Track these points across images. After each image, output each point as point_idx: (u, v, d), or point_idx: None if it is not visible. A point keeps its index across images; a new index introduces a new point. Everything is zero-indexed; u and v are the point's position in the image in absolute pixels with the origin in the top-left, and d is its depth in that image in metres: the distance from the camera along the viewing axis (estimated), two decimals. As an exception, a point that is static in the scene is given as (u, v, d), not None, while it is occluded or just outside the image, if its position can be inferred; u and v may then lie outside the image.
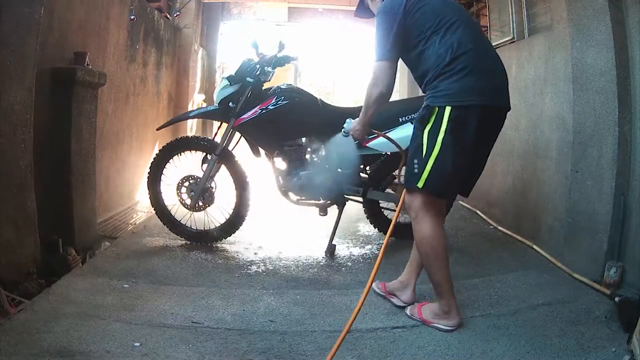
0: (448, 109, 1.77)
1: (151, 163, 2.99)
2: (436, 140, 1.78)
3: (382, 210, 3.11)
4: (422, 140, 1.82)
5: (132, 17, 3.97)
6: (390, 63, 1.87)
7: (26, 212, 2.35)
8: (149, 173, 2.98)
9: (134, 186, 4.29)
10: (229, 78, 2.82)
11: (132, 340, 1.76)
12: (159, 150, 3.01)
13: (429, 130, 1.81)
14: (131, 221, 3.86)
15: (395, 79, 1.90)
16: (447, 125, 1.77)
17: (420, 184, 1.82)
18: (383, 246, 1.92)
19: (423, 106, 1.86)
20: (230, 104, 2.80)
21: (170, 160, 2.97)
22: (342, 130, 2.33)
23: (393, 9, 1.86)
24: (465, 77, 1.76)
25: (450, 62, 1.77)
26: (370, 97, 1.94)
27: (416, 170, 1.84)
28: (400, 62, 1.96)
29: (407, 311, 2.04)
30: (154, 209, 3.04)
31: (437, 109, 1.79)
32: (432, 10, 1.84)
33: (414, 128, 1.92)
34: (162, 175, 2.97)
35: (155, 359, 1.66)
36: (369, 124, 2.12)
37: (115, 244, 2.93)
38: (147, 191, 3.01)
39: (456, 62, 1.77)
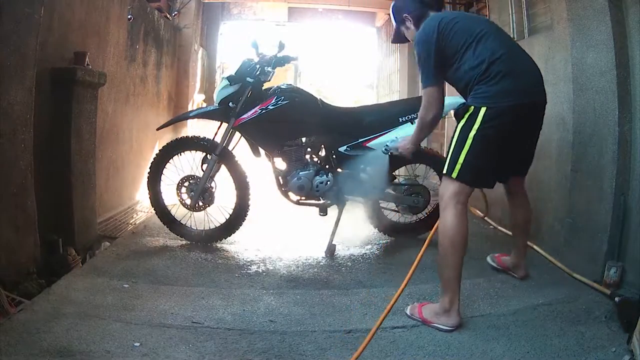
0: (483, 110, 1.89)
1: (151, 163, 2.99)
2: (467, 137, 1.92)
3: (382, 210, 3.11)
4: (454, 134, 1.99)
5: (130, 17, 3.96)
6: (436, 87, 2.02)
7: (26, 212, 2.35)
8: (149, 173, 2.98)
9: (134, 186, 4.30)
10: (229, 78, 2.82)
11: (132, 340, 1.76)
12: (159, 150, 3.01)
13: (462, 127, 1.96)
14: (131, 221, 3.86)
15: (443, 100, 2.04)
16: (479, 125, 1.89)
17: (454, 175, 1.94)
18: (424, 245, 1.96)
19: (461, 103, 2.01)
20: (230, 104, 2.80)
21: (170, 160, 2.97)
22: (385, 147, 2.48)
23: (427, 37, 2.00)
24: (502, 81, 1.89)
25: (486, 70, 1.90)
26: (424, 119, 2.09)
27: (449, 161, 1.97)
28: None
29: (407, 311, 2.04)
30: (154, 209, 3.04)
31: (472, 107, 1.93)
32: (462, 29, 1.98)
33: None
34: (162, 175, 2.97)
35: (155, 359, 1.66)
36: (420, 142, 2.31)
37: (115, 244, 2.93)
38: (147, 191, 3.01)
39: (491, 68, 1.90)
